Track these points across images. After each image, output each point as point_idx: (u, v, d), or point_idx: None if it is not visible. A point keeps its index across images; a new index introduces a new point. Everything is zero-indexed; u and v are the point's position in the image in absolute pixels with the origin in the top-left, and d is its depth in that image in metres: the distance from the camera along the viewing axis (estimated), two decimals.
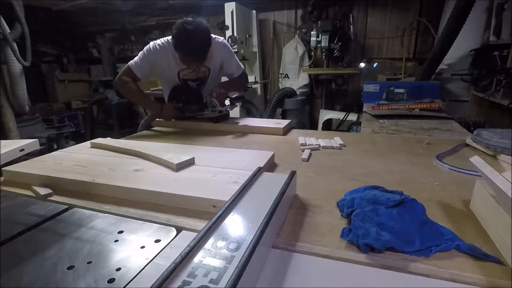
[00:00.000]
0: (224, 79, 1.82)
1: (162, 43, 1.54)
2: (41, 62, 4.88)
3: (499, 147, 0.95)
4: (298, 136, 1.26)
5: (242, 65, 1.75)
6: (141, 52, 1.56)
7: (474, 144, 1.08)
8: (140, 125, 1.68)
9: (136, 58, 1.56)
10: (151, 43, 1.55)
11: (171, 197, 0.68)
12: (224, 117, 1.57)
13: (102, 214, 0.64)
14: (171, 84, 1.66)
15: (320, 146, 1.13)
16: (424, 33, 3.72)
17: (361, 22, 3.96)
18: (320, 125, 3.85)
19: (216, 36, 1.65)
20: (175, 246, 0.52)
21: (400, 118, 1.77)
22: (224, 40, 1.67)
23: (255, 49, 4.25)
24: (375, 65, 3.95)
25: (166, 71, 1.61)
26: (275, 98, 3.89)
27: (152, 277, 0.37)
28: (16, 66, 2.21)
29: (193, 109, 1.59)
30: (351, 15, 3.89)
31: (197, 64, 1.54)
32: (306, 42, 4.03)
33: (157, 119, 1.65)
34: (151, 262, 0.48)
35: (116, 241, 0.54)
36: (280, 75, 4.35)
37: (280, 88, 4.19)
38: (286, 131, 1.42)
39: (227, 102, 1.61)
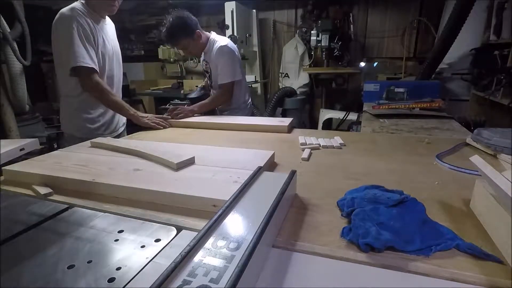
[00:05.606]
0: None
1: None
2: (41, 61, 4.87)
3: (499, 146, 0.95)
4: (298, 136, 1.26)
5: (231, 77, 1.80)
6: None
7: (474, 144, 1.08)
8: None
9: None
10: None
11: (171, 197, 0.68)
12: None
13: (102, 213, 0.64)
14: None
15: (320, 146, 1.13)
16: (424, 32, 3.72)
17: (361, 21, 3.95)
18: (320, 125, 3.85)
19: (222, 38, 1.83)
20: (175, 245, 0.52)
21: (400, 118, 1.77)
22: (227, 46, 1.77)
23: (255, 49, 4.25)
24: (375, 64, 3.94)
25: None
26: (275, 97, 3.89)
27: (152, 276, 0.37)
28: (16, 66, 2.21)
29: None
30: (351, 14, 3.88)
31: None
32: (306, 41, 4.02)
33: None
34: (151, 262, 0.48)
35: (116, 240, 0.54)
36: (280, 74, 4.35)
37: (280, 87, 4.18)
38: (290, 128, 1.44)
39: None
